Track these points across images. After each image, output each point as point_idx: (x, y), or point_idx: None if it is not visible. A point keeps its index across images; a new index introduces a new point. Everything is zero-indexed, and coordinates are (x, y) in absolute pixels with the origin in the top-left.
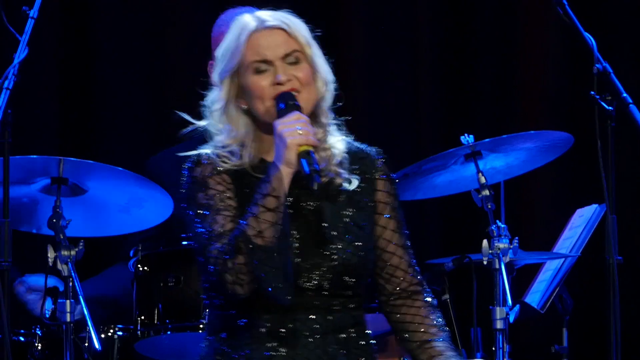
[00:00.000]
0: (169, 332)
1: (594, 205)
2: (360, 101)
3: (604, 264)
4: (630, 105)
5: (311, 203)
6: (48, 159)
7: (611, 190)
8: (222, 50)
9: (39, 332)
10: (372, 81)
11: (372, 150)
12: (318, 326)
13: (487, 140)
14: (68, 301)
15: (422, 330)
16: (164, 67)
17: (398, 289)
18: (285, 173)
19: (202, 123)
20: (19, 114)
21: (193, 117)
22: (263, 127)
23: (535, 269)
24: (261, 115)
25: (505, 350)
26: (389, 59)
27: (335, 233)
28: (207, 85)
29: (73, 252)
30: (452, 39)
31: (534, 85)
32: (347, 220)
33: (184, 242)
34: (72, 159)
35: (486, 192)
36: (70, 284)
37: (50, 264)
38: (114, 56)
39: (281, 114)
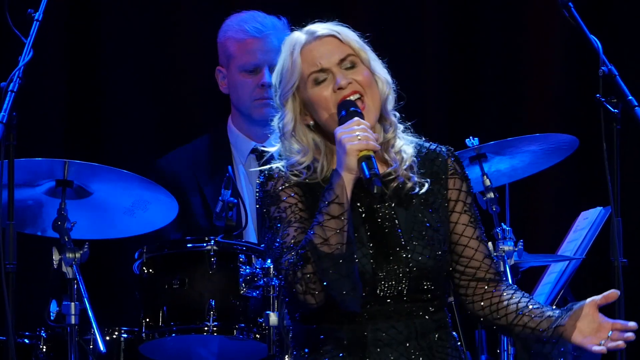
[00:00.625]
0: (173, 335)
1: (599, 208)
2: None
3: (609, 267)
4: (636, 107)
5: (384, 210)
6: (53, 161)
7: (616, 192)
8: (278, 73)
9: (43, 334)
10: None
11: (442, 149)
12: (400, 334)
13: (492, 142)
14: (73, 303)
15: (507, 307)
16: (169, 70)
17: (474, 279)
18: (347, 180)
19: (274, 149)
20: (25, 117)
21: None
22: (332, 138)
23: (540, 271)
24: (328, 125)
25: (509, 352)
26: (394, 61)
27: (410, 238)
28: (214, 88)
29: (78, 255)
30: (457, 42)
31: (540, 88)
32: (422, 223)
33: (189, 245)
34: (77, 161)
35: (491, 195)
36: (75, 286)
37: (55, 267)
38: (120, 59)
39: (342, 121)
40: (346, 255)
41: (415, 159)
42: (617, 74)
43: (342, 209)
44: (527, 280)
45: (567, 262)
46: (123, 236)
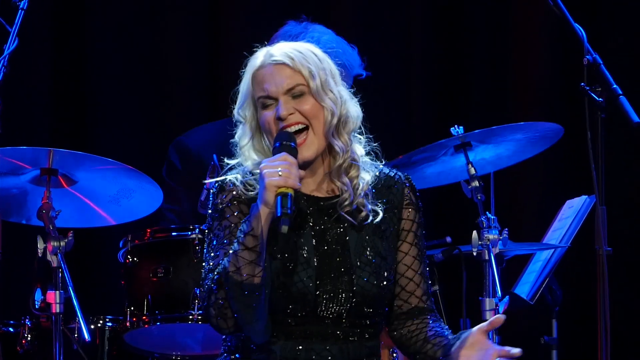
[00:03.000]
0: (158, 323)
1: (584, 197)
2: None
3: (594, 255)
4: (620, 96)
5: (336, 232)
6: (37, 149)
7: (601, 181)
8: (240, 87)
9: (28, 323)
10: None
11: (400, 177)
12: (333, 357)
13: (476, 131)
14: (57, 292)
15: (418, 335)
16: (156, 60)
17: (408, 312)
18: (264, 213)
19: (234, 161)
20: (10, 105)
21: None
22: None
23: (525, 260)
24: (270, 148)
25: (494, 341)
26: (380, 51)
27: (358, 263)
28: (201, 78)
29: (62, 243)
30: (443, 31)
31: (525, 77)
32: (371, 250)
33: (174, 233)
34: (62, 150)
35: (476, 183)
36: (60, 274)
37: (40, 255)
38: (106, 47)
39: (274, 152)
40: (255, 287)
41: (371, 187)
42: (601, 62)
43: (256, 241)
44: (512, 269)
45: (552, 250)
46: (108, 224)
